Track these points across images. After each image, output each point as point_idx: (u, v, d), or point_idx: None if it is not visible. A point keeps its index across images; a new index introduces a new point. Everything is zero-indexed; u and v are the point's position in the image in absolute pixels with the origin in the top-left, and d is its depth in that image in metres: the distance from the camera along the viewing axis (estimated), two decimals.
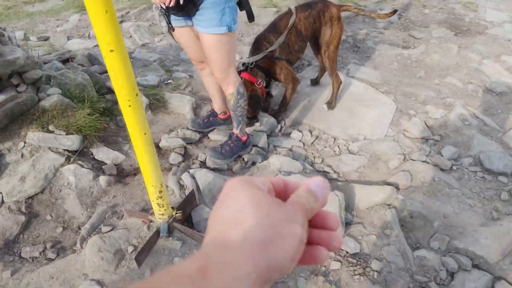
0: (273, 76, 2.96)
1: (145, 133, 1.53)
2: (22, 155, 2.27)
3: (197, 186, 2.29)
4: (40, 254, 1.90)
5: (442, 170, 2.57)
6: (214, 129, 2.91)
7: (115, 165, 2.42)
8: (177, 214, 1.98)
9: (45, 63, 3.10)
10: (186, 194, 2.21)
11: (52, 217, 2.07)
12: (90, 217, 2.08)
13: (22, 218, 2.00)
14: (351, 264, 1.90)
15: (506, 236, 1.98)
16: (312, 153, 2.79)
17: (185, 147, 2.69)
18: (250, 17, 2.20)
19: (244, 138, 2.61)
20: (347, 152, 2.81)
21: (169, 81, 3.42)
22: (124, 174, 2.42)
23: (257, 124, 2.94)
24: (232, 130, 2.62)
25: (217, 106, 2.82)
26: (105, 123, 2.64)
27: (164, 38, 4.61)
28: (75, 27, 5.10)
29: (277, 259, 0.37)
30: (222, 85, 2.36)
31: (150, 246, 1.90)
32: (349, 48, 4.28)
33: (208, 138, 2.86)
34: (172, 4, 1.88)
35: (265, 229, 0.38)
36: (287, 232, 0.38)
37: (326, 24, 2.93)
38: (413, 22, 4.87)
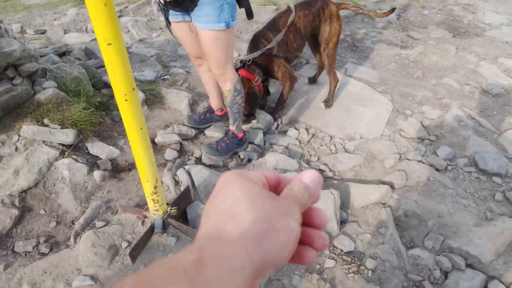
0: (271, 73, 2.96)
1: (141, 128, 1.53)
2: (16, 149, 2.25)
3: (193, 182, 2.28)
4: (33, 248, 1.89)
5: (437, 170, 2.58)
6: (210, 125, 2.90)
7: (110, 160, 2.41)
8: (172, 210, 1.97)
9: (41, 56, 3.08)
10: (181, 190, 2.20)
11: (45, 212, 2.06)
12: (84, 212, 2.07)
13: (15, 212, 1.99)
14: (345, 262, 1.90)
15: (500, 236, 1.99)
16: (308, 151, 2.79)
17: (181, 143, 2.68)
18: (249, 15, 2.20)
19: (241, 135, 2.60)
20: (343, 151, 2.81)
21: (166, 76, 3.41)
22: (119, 169, 2.40)
23: (254, 121, 2.94)
24: (228, 127, 2.61)
25: (214, 102, 2.81)
26: (100, 117, 2.63)
27: (162, 33, 4.59)
28: (72, 21, 5.07)
29: (272, 252, 0.37)
30: (219, 81, 2.35)
31: (145, 242, 1.89)
32: (347, 47, 4.28)
33: (204, 134, 2.85)
34: None
35: (260, 223, 0.38)
36: (281, 226, 0.38)
37: (325, 21, 2.93)
38: (411, 22, 4.87)
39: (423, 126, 3.01)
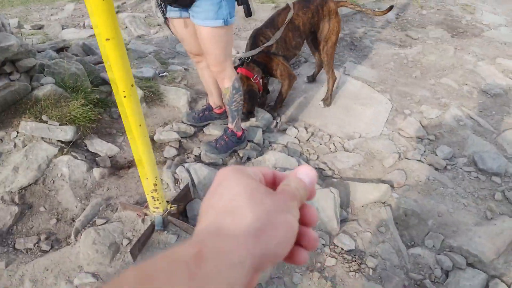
0: (270, 71, 2.95)
1: (140, 125, 1.51)
2: (15, 145, 2.23)
3: (192, 180, 2.27)
4: (34, 245, 1.87)
5: (436, 169, 2.58)
6: (209, 123, 2.89)
7: (109, 157, 2.40)
8: (172, 208, 1.96)
9: (39, 51, 3.05)
10: (181, 188, 2.19)
11: (45, 209, 2.04)
12: (84, 209, 2.06)
13: (16, 209, 1.97)
14: (346, 261, 1.90)
15: (500, 235, 2.00)
16: (308, 149, 2.79)
17: (180, 141, 2.66)
18: (248, 13, 2.19)
19: (239, 133, 2.59)
20: (342, 150, 2.81)
21: (164, 73, 3.39)
22: (118, 166, 2.39)
23: (253, 119, 2.93)
24: (227, 124, 2.60)
25: (213, 100, 2.80)
26: (99, 114, 2.61)
27: (160, 30, 4.57)
28: (70, 16, 5.03)
29: (270, 247, 0.37)
30: (217, 78, 2.34)
31: (145, 240, 1.88)
32: (346, 46, 4.28)
33: (203, 132, 2.84)
34: None
35: (259, 218, 0.38)
36: (280, 221, 0.39)
37: (324, 18, 2.93)
38: (410, 22, 4.88)
39: (422, 125, 3.02)
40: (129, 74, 1.35)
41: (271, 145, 2.78)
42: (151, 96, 2.95)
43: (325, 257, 1.91)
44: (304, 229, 0.43)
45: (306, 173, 0.45)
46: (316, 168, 2.60)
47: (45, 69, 2.66)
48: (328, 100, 3.24)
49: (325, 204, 2.12)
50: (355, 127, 3.04)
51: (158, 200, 1.85)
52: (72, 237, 1.91)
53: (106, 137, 2.54)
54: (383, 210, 2.21)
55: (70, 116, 2.40)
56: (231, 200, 0.40)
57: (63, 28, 4.63)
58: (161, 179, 2.23)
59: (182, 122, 2.82)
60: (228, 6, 1.98)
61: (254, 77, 2.81)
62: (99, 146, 2.42)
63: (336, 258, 1.91)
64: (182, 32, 2.27)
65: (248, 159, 2.60)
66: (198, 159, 2.55)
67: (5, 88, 2.32)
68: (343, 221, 2.17)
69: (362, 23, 4.80)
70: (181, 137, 2.69)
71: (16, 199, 2.02)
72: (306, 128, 3.00)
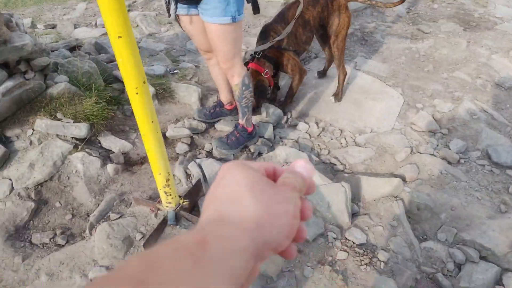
0: (281, 66, 2.95)
1: (152, 121, 1.53)
2: (31, 142, 2.27)
3: (204, 176, 2.29)
4: (50, 240, 1.91)
5: (449, 163, 2.56)
6: (220, 119, 2.91)
7: (122, 153, 2.43)
8: (184, 203, 1.98)
9: (52, 51, 3.10)
10: (193, 183, 2.21)
11: (61, 204, 2.09)
12: (98, 204, 2.09)
13: (32, 204, 2.01)
14: (357, 254, 1.90)
15: None
16: (319, 144, 2.79)
17: (191, 137, 2.69)
18: (256, 10, 2.19)
19: (250, 128, 2.61)
20: (354, 144, 2.80)
21: (175, 71, 3.42)
22: (131, 162, 2.42)
23: (264, 115, 2.94)
24: (238, 120, 2.61)
25: (224, 96, 2.81)
26: (112, 112, 2.65)
27: (171, 27, 4.60)
28: (82, 16, 5.09)
29: (272, 236, 0.39)
30: (227, 75, 2.36)
31: (158, 234, 1.91)
32: (357, 41, 4.25)
33: (215, 128, 2.86)
34: None
35: (261, 207, 0.39)
36: (281, 211, 0.40)
37: (334, 13, 2.91)
38: (421, 16, 4.83)
39: (434, 119, 2.99)
40: (141, 71, 1.37)
41: (282, 141, 2.79)
42: (162, 93, 2.98)
43: (336, 251, 1.91)
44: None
45: (303, 166, 0.47)
46: (327, 163, 2.60)
47: (58, 68, 2.71)
48: (339, 95, 3.23)
49: (336, 198, 2.12)
50: (366, 121, 3.03)
51: (170, 195, 1.88)
52: (87, 231, 1.95)
53: (119, 134, 2.57)
54: (395, 204, 2.21)
55: (84, 114, 2.44)
56: (234, 191, 0.41)
57: (75, 27, 4.69)
58: (174, 175, 2.25)
59: (194, 119, 2.85)
60: (236, 3, 1.99)
61: (265, 72, 2.81)
62: (113, 143, 2.46)
63: (348, 252, 1.91)
64: (191, 29, 2.29)
65: (259, 154, 2.61)
66: (209, 154, 2.58)
67: (20, 86, 2.36)
68: (354, 215, 2.17)
69: (372, 18, 4.76)
70: (193, 133, 2.72)
71: (32, 195, 2.07)
72: (317, 123, 3.00)
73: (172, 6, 2.11)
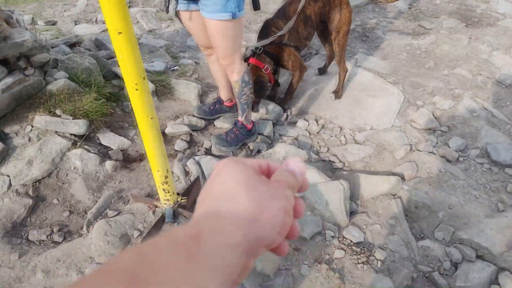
0: (281, 62, 2.93)
1: (151, 118, 1.53)
2: (29, 139, 2.28)
3: (202, 173, 2.30)
4: (47, 237, 1.92)
5: (448, 161, 2.55)
6: (220, 116, 2.90)
7: (121, 150, 2.43)
8: (182, 200, 1.98)
9: (52, 47, 3.10)
10: (192, 181, 2.22)
11: (58, 201, 2.09)
12: (96, 201, 2.10)
13: (29, 201, 2.02)
14: (354, 253, 1.91)
15: (511, 228, 1.97)
16: (318, 142, 2.78)
17: (190, 134, 2.69)
18: (256, 6, 2.18)
19: (250, 126, 2.60)
20: (353, 142, 2.80)
21: (175, 67, 3.41)
22: (130, 159, 2.43)
23: (263, 112, 2.93)
24: (237, 117, 2.61)
25: (223, 93, 2.81)
26: (111, 108, 2.65)
27: (171, 24, 4.59)
28: (82, 12, 5.09)
29: (265, 232, 0.39)
30: (227, 72, 2.35)
31: (156, 231, 1.91)
32: (358, 37, 4.23)
33: (214, 125, 2.86)
34: None
35: (255, 204, 0.39)
36: (275, 207, 0.41)
37: (335, 8, 2.89)
38: (423, 12, 4.80)
39: (434, 117, 2.98)
40: (140, 67, 1.37)
41: (281, 138, 2.79)
42: (162, 89, 2.98)
43: (333, 249, 1.91)
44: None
45: (296, 165, 0.48)
46: (326, 161, 2.60)
47: (58, 64, 2.71)
48: (339, 92, 3.22)
49: (335, 196, 2.12)
50: (366, 119, 3.02)
51: (168, 192, 1.88)
52: (84, 228, 1.96)
53: (118, 131, 2.58)
54: (393, 203, 2.20)
55: (83, 110, 2.44)
56: (229, 187, 0.41)
57: (75, 24, 4.68)
58: (172, 172, 2.25)
59: (193, 116, 2.85)
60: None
61: (265, 68, 2.80)
62: (111, 140, 2.46)
63: (345, 250, 1.91)
64: (192, 25, 2.28)
65: (258, 151, 2.61)
66: (208, 152, 2.58)
67: (20, 83, 2.37)
68: (352, 213, 2.17)
69: (374, 14, 4.74)
70: (192, 130, 2.72)
71: (30, 192, 2.07)
72: (316, 121, 3.00)
73: (173, 2, 2.10)
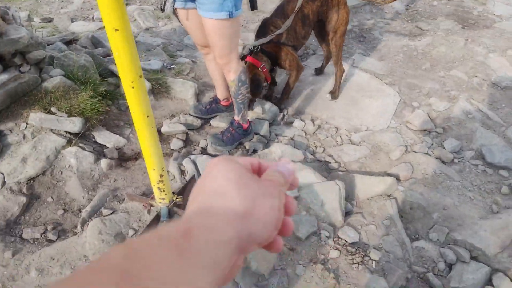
0: (279, 62, 2.92)
1: (147, 116, 1.53)
2: (24, 136, 2.27)
3: (198, 172, 2.29)
4: (41, 235, 1.91)
5: (443, 162, 2.56)
6: (216, 115, 2.90)
7: (116, 149, 2.42)
8: (177, 199, 1.98)
9: (48, 44, 3.08)
10: (187, 180, 2.21)
11: (53, 199, 2.08)
12: (91, 200, 2.09)
13: (23, 199, 2.01)
14: (349, 253, 1.91)
15: (505, 229, 1.98)
16: (314, 142, 2.78)
17: (186, 133, 2.68)
18: (253, 6, 2.18)
19: (246, 125, 2.60)
20: (349, 143, 2.80)
21: (172, 66, 3.40)
22: (125, 158, 2.42)
23: (259, 111, 2.93)
24: (233, 117, 2.61)
25: (220, 92, 2.81)
26: (107, 106, 2.64)
27: (169, 22, 4.58)
28: (79, 9, 5.06)
29: (257, 229, 0.39)
30: (223, 70, 2.35)
31: (151, 230, 1.91)
32: (355, 38, 4.24)
33: (210, 124, 2.85)
34: None
35: (246, 201, 0.40)
36: (267, 206, 0.41)
37: (333, 8, 2.89)
38: (420, 13, 4.81)
39: (430, 118, 2.99)
40: (137, 65, 1.37)
41: (277, 138, 2.79)
42: (158, 88, 2.97)
43: (328, 249, 1.92)
44: (285, 219, 0.45)
45: (284, 165, 0.48)
46: (322, 161, 2.60)
47: (54, 61, 2.70)
48: (335, 93, 3.23)
49: (330, 196, 2.13)
50: (362, 119, 3.02)
51: (164, 191, 1.87)
52: (79, 227, 1.95)
53: (114, 129, 2.57)
54: (388, 203, 2.21)
55: (78, 108, 2.43)
56: (220, 184, 0.41)
57: (72, 21, 4.66)
58: (168, 171, 2.25)
59: (189, 115, 2.84)
60: None
61: (262, 66, 2.79)
62: (107, 138, 2.45)
63: (340, 250, 1.91)
64: (189, 23, 2.28)
65: (254, 151, 2.60)
66: (204, 151, 2.57)
67: (15, 79, 2.35)
68: (347, 213, 2.17)
69: (371, 15, 4.75)
70: (188, 129, 2.71)
71: (24, 190, 2.06)
72: (313, 121, 3.00)
73: (168, 3, 2.10)
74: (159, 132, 2.63)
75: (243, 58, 2.77)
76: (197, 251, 0.33)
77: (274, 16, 2.84)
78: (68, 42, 3.37)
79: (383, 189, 2.28)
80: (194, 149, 2.57)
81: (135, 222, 1.96)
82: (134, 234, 1.89)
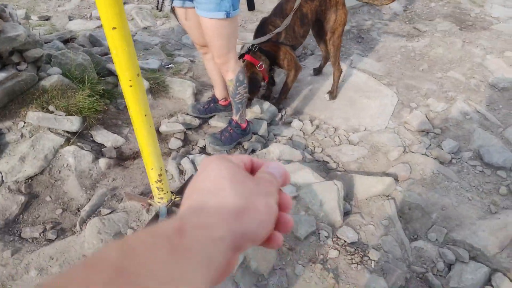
0: (277, 61, 2.93)
1: (145, 115, 1.52)
2: (22, 135, 2.25)
3: (197, 172, 2.28)
4: (40, 235, 1.90)
5: (441, 163, 2.57)
6: (214, 115, 2.89)
7: (114, 148, 2.41)
8: (176, 199, 1.97)
9: (46, 42, 3.07)
10: (186, 179, 2.21)
11: (51, 198, 2.07)
12: (89, 199, 2.08)
13: (22, 198, 2.00)
14: (348, 253, 1.91)
15: (504, 230, 1.99)
16: (312, 142, 2.79)
17: (185, 133, 2.68)
18: (250, 6, 2.17)
19: (244, 125, 2.60)
20: (347, 143, 2.81)
21: (170, 65, 3.40)
22: (124, 157, 2.41)
23: (258, 111, 2.93)
24: (232, 116, 2.60)
25: (218, 92, 2.80)
26: (105, 105, 2.62)
27: (167, 21, 4.57)
28: (76, 8, 5.04)
29: (251, 227, 0.39)
30: (221, 70, 2.35)
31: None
32: (353, 39, 4.25)
33: (208, 124, 2.85)
34: None
35: (241, 199, 0.40)
36: (261, 204, 0.41)
37: (331, 8, 2.90)
38: (418, 15, 4.83)
39: (428, 119, 3.00)
40: (135, 64, 1.36)
41: (275, 138, 2.79)
42: (156, 87, 2.96)
43: (327, 249, 1.92)
44: (280, 214, 0.45)
45: (274, 167, 0.48)
46: (320, 161, 2.60)
47: (52, 60, 2.68)
48: (333, 93, 3.23)
49: (329, 196, 2.13)
50: (360, 120, 3.03)
51: (162, 190, 1.87)
52: (78, 226, 1.94)
53: (112, 128, 2.55)
54: (386, 203, 2.21)
55: (76, 107, 2.42)
56: (215, 183, 0.41)
57: (70, 19, 4.64)
58: (166, 170, 2.24)
59: (188, 114, 2.83)
60: None
61: (259, 65, 2.79)
62: (105, 137, 2.44)
63: (339, 250, 1.92)
64: (188, 22, 2.27)
65: (253, 151, 2.60)
66: (203, 151, 2.57)
67: (13, 78, 2.34)
68: (346, 213, 2.18)
69: (369, 16, 4.76)
70: (186, 128, 2.70)
71: (23, 189, 2.05)
72: (311, 121, 3.00)
73: (167, 1, 2.09)
74: (157, 131, 2.62)
75: (241, 56, 2.76)
76: (189, 248, 0.33)
77: (273, 16, 2.84)
78: (66, 41, 3.35)
79: (382, 189, 2.28)
80: (193, 149, 2.57)
81: (134, 221, 1.95)
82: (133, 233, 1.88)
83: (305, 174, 2.27)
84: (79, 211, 2.03)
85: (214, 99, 2.86)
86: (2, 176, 2.06)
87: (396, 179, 2.41)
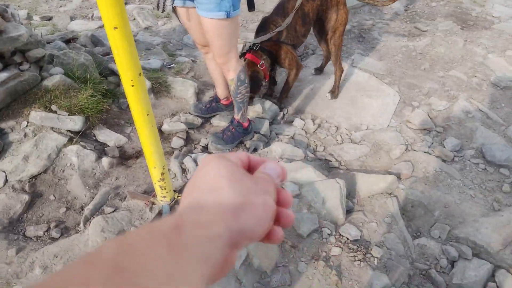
0: (278, 60, 2.93)
1: (148, 114, 1.53)
2: (25, 135, 2.26)
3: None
4: (44, 233, 1.91)
5: (444, 161, 2.57)
6: (216, 114, 2.90)
7: (117, 147, 2.42)
8: (179, 197, 1.98)
9: (48, 42, 3.08)
10: (188, 178, 2.21)
11: (55, 197, 2.08)
12: (93, 198, 2.09)
13: (26, 197, 2.00)
14: (351, 250, 1.91)
15: (507, 226, 1.99)
16: (314, 141, 2.79)
17: (187, 132, 2.68)
18: (251, 7, 2.18)
19: (246, 124, 2.60)
20: (349, 141, 2.81)
21: (172, 65, 3.40)
22: (127, 156, 2.42)
23: (260, 110, 2.93)
24: (234, 115, 2.61)
25: (220, 91, 2.81)
26: (107, 105, 2.63)
27: (168, 21, 4.58)
28: (78, 8, 5.05)
29: (249, 224, 0.40)
30: (222, 70, 2.35)
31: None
32: (354, 38, 4.25)
33: (211, 123, 2.85)
34: None
35: (239, 196, 0.40)
36: (259, 201, 0.41)
37: (332, 8, 2.90)
38: (419, 14, 4.83)
39: (430, 117, 3.00)
40: (136, 63, 1.37)
41: (277, 136, 2.79)
42: (158, 87, 2.97)
43: (330, 247, 1.92)
44: (280, 209, 0.46)
45: (271, 168, 0.49)
46: (322, 159, 2.61)
47: (54, 60, 2.69)
48: (335, 92, 3.23)
49: (331, 194, 2.13)
50: (362, 119, 3.03)
51: (165, 189, 1.87)
52: (81, 225, 1.94)
53: (115, 127, 2.56)
54: (389, 201, 2.22)
55: (79, 106, 2.43)
56: (213, 181, 0.42)
57: (71, 20, 4.65)
58: (169, 169, 2.25)
59: (190, 113, 2.84)
60: None
61: (261, 63, 2.79)
62: (108, 136, 2.45)
63: (342, 248, 1.92)
64: (188, 22, 2.28)
65: (255, 150, 2.61)
66: (205, 149, 2.57)
67: (15, 78, 2.35)
68: (349, 211, 2.18)
69: (370, 15, 4.76)
70: (189, 128, 2.71)
71: (27, 188, 2.06)
72: (313, 120, 3.00)
73: (168, 1, 2.10)
74: (160, 130, 2.63)
75: (242, 55, 2.77)
76: (187, 245, 0.34)
77: (274, 14, 2.84)
78: (68, 41, 3.36)
79: (384, 187, 2.28)
80: (195, 148, 2.57)
81: (137, 220, 1.96)
82: None
83: (307, 173, 2.28)
84: (82, 209, 2.04)
85: (216, 99, 2.87)
86: (6, 175, 2.07)
87: (399, 177, 2.41)
